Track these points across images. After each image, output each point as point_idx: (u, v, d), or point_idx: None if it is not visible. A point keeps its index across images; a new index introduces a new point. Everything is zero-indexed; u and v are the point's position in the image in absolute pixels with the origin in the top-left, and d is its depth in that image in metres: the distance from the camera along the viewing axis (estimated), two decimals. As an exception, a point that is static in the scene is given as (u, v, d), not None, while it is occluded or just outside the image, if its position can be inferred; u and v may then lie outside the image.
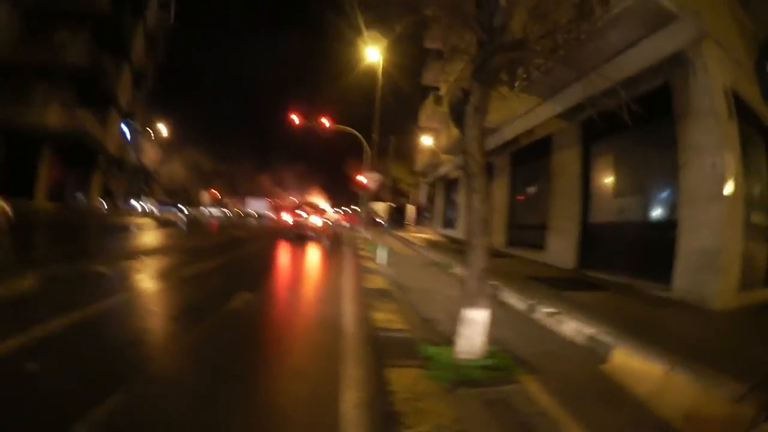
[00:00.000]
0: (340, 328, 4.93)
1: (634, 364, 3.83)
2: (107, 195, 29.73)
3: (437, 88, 25.43)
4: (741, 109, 7.05)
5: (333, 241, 18.92)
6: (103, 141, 26.62)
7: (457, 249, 14.65)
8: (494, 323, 4.53)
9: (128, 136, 31.81)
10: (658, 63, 7.31)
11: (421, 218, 33.87)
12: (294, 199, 63.23)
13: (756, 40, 8.18)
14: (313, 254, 13.69)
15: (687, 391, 3.30)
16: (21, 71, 21.92)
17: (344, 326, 5.02)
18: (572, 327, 4.90)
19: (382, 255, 10.71)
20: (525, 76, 7.82)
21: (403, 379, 3.43)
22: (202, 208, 54.02)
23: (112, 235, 14.53)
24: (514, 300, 6.47)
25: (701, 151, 6.58)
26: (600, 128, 9.69)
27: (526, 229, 13.67)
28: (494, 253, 13.76)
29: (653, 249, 7.75)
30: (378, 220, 36.33)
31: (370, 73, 23.26)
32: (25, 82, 22.25)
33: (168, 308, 5.55)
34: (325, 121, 23.34)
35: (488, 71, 3.93)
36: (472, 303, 3.77)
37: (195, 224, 27.11)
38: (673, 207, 7.31)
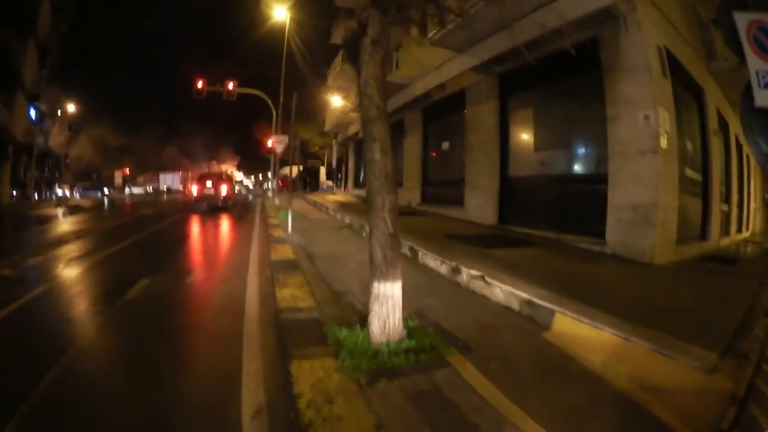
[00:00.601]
0: (241, 311, 4.38)
1: (581, 331, 3.56)
2: (18, 185, 26.20)
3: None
4: (674, 69, 7.06)
5: (242, 210, 17.95)
6: (11, 127, 23.10)
7: (365, 209, 14.29)
8: (414, 291, 4.11)
9: (35, 119, 27.68)
10: (586, 16, 7.05)
11: (334, 180, 33.11)
12: (206, 169, 59.88)
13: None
14: (220, 227, 12.85)
15: (648, 360, 3.09)
16: None
17: (246, 309, 4.47)
18: (504, 290, 4.57)
19: (289, 221, 10.05)
20: (438, 20, 7.23)
21: (310, 373, 2.91)
22: (126, 187, 49.83)
23: (24, 228, 12.94)
24: (434, 262, 6.12)
25: (633, 106, 6.52)
26: (518, 81, 9.61)
27: (443, 186, 13.50)
28: (409, 211, 13.54)
29: (580, 203, 7.80)
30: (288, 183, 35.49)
31: (279, 33, 21.92)
32: None
33: (62, 309, 4.80)
34: (230, 84, 21.77)
35: None
36: (381, 275, 3.26)
37: (111, 206, 24.67)
38: (599, 160, 7.30)
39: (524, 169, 9.58)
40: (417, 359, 3.05)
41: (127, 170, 56.19)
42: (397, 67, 17.09)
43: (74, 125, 35.42)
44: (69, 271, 6.50)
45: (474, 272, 5.09)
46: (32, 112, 27.18)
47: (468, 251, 6.51)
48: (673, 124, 6.60)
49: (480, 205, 10.63)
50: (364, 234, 9.40)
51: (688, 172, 7.24)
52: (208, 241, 10.04)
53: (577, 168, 8.35)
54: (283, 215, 12.93)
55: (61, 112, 35.02)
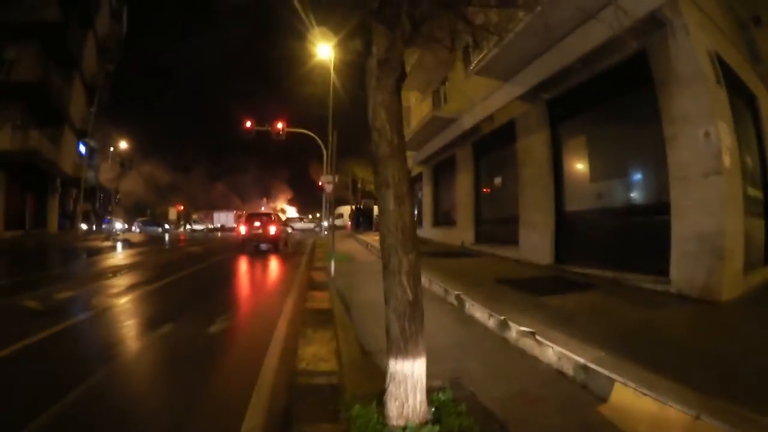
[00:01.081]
0: (257, 371, 3.92)
1: (643, 405, 2.76)
2: (66, 217, 28.27)
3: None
4: (726, 75, 6.13)
5: (290, 251, 17.80)
6: (58, 162, 25.06)
7: (420, 251, 13.63)
8: (454, 351, 3.63)
9: (85, 154, 29.89)
10: (632, 26, 6.27)
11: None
12: (260, 207, 61.50)
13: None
14: (261, 269, 12.64)
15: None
16: None
17: (263, 370, 3.97)
18: (556, 351, 3.76)
19: (332, 266, 9.59)
20: (473, 41, 6.67)
21: None
22: (186, 224, 52.50)
23: (68, 260, 13.72)
24: (482, 314, 5.35)
25: (691, 122, 5.63)
26: (567, 107, 8.82)
27: (497, 224, 12.65)
28: (462, 252, 12.78)
29: (642, 237, 6.80)
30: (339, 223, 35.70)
31: (325, 72, 22.25)
32: None
33: (75, 348, 4.81)
34: (279, 125, 22.18)
35: (394, 5, 2.71)
36: (399, 352, 2.68)
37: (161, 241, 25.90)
38: (661, 187, 6.30)
39: (580, 202, 8.63)
40: (438, 452, 2.47)
41: (182, 207, 58.46)
42: (445, 101, 16.66)
43: (126, 161, 37.50)
44: (93, 309, 6.51)
45: (524, 329, 4.30)
46: (82, 148, 29.08)
47: (520, 300, 5.71)
48: (734, 139, 5.59)
49: (535, 244, 9.70)
50: None
51: (750, 191, 6.12)
52: (245, 286, 9.81)
53: (637, 198, 7.35)
54: (329, 257, 12.67)
55: (112, 149, 37.23)
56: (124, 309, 6.69)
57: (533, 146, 9.88)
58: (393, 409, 2.64)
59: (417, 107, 20.49)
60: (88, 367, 4.02)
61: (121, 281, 9.16)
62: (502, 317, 4.76)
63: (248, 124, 21.62)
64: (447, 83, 16.65)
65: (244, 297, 8.42)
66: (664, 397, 2.65)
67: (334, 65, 22.03)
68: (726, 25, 7.09)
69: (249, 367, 4.06)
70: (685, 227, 5.64)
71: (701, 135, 5.41)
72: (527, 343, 4.18)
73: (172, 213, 55.68)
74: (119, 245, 22.13)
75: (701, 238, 5.37)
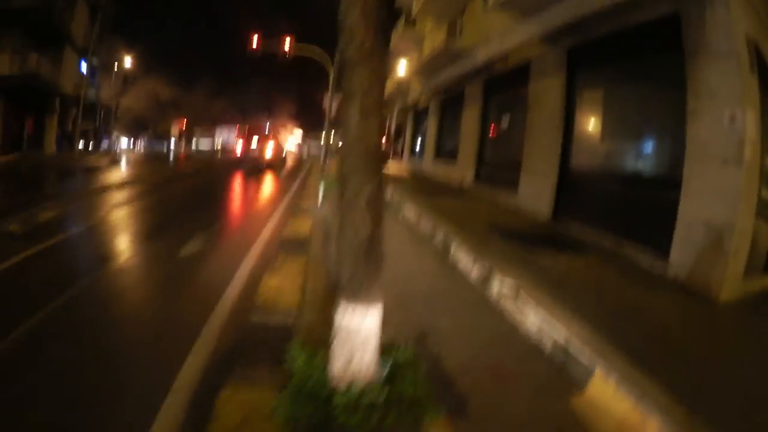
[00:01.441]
0: (214, 304, 3.93)
1: (620, 407, 2.63)
2: (66, 137, 27.63)
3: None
4: (760, 67, 5.68)
5: (288, 172, 17.62)
6: (58, 82, 24.41)
7: (416, 185, 13.52)
8: (428, 302, 3.58)
9: (86, 72, 28.79)
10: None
11: (393, 149, 32.21)
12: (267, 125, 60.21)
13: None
14: (250, 191, 12.74)
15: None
16: None
17: (222, 302, 4.01)
18: (538, 318, 3.71)
19: (320, 192, 9.50)
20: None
21: (238, 409, 2.33)
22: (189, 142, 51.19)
23: (52, 181, 13.73)
24: (466, 262, 5.29)
25: (717, 100, 5.25)
26: (589, 56, 8.36)
27: (499, 168, 12.42)
28: (459, 192, 12.64)
29: (646, 208, 6.64)
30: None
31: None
32: None
33: (37, 279, 4.65)
34: (286, 42, 21.26)
35: None
36: (349, 298, 2.36)
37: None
38: (673, 162, 6.04)
39: (587, 160, 8.41)
40: (381, 421, 2.15)
41: (184, 123, 57.06)
42: (460, 34, 15.84)
43: (129, 77, 36.35)
44: (67, 232, 6.60)
45: (508, 283, 4.24)
46: (83, 66, 28.17)
47: (510, 251, 5.67)
48: (759, 133, 5.26)
49: (534, 193, 9.55)
50: (400, 215, 8.70)
51: (765, 193, 5.86)
52: (227, 209, 9.76)
53: (647, 167, 7.11)
54: (324, 183, 12.60)
55: (116, 65, 35.99)
56: (101, 231, 6.78)
57: (546, 91, 9.46)
58: (338, 365, 2.37)
59: (430, 35, 19.50)
60: (51, 291, 4.06)
61: (100, 201, 9.25)
62: (487, 266, 4.71)
63: (255, 40, 20.76)
64: (465, 15, 15.76)
65: (224, 221, 8.37)
66: (646, 405, 2.52)
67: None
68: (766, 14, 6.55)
69: (207, 300, 4.04)
70: (694, 211, 5.43)
71: (726, 117, 5.08)
72: (508, 304, 4.15)
73: (174, 129, 54.42)
74: (116, 163, 22.47)
75: (709, 227, 5.17)
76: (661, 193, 6.23)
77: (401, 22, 23.25)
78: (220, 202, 10.62)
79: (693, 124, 5.51)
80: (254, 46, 20.77)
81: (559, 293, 4.15)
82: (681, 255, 5.50)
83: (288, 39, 21.50)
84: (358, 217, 2.34)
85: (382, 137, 2.57)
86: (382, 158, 2.53)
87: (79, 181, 13.49)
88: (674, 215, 5.61)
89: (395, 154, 28.16)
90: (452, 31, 16.55)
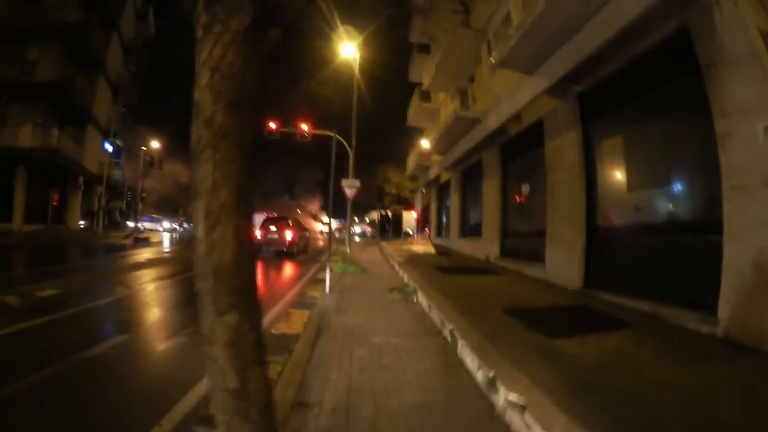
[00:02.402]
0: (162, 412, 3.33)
1: None
2: (89, 215, 29.10)
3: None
4: None
5: (305, 257, 16.95)
6: (81, 160, 26.07)
7: (437, 264, 12.45)
8: (416, 415, 2.95)
9: (111, 152, 30.53)
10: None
11: (422, 226, 31.53)
12: (294, 211, 61.02)
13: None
14: (263, 275, 11.99)
15: None
16: None
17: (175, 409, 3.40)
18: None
19: (327, 280, 8.69)
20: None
21: None
22: None
23: (72, 257, 14.08)
24: (472, 361, 4.11)
25: (747, 113, 4.31)
26: (601, 101, 7.52)
27: (524, 238, 11.34)
28: (484, 268, 11.47)
29: (687, 261, 5.48)
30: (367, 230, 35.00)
31: (349, 72, 21.52)
32: (1, 104, 22.20)
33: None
34: (304, 126, 21.48)
35: None
36: None
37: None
38: (712, 199, 4.92)
39: (615, 216, 7.29)
40: None
41: None
42: (473, 101, 15.43)
43: (155, 160, 37.91)
44: (61, 311, 6.41)
45: (513, 397, 3.09)
46: (108, 147, 29.61)
47: (526, 342, 4.47)
48: None
49: (562, 263, 8.37)
50: (415, 299, 7.67)
51: None
52: None
53: (681, 212, 5.93)
54: (340, 268, 11.89)
55: (144, 148, 37.93)
56: (85, 317, 6.38)
57: (562, 148, 8.58)
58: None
59: (444, 107, 19.29)
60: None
61: (107, 280, 9.17)
62: (491, 373, 3.57)
63: (272, 125, 21.09)
64: (474, 82, 15.43)
65: None
66: None
67: (359, 65, 21.40)
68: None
69: (156, 405, 3.43)
70: (740, 252, 4.31)
71: (761, 131, 4.07)
72: (515, 420, 2.99)
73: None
74: (141, 242, 23.00)
75: (760, 268, 4.03)
76: (700, 239, 5.13)
77: (416, 97, 23.35)
78: None
79: (726, 149, 4.49)
80: (272, 128, 20.98)
81: (584, 395, 3.04)
82: (730, 308, 4.32)
83: (305, 123, 21.71)
84: (215, 365, 1.58)
85: (247, 249, 1.69)
86: (250, 282, 1.68)
87: (99, 257, 13.59)
88: (718, 261, 4.48)
89: (424, 231, 27.44)
90: (464, 100, 16.24)
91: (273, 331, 5.74)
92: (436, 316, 6.04)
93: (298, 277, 11.68)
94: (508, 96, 10.89)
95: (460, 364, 4.28)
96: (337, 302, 7.46)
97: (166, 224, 42.80)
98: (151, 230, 38.76)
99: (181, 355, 4.87)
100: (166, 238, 30.94)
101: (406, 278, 10.03)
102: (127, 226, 36.56)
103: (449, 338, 5.01)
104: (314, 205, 74.66)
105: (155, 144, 40.21)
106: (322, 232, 56.55)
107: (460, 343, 4.51)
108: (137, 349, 4.99)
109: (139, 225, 39.88)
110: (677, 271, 5.60)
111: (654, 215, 6.39)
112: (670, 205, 6.12)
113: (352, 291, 8.70)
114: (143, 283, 9.54)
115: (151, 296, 8.32)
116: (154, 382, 4.10)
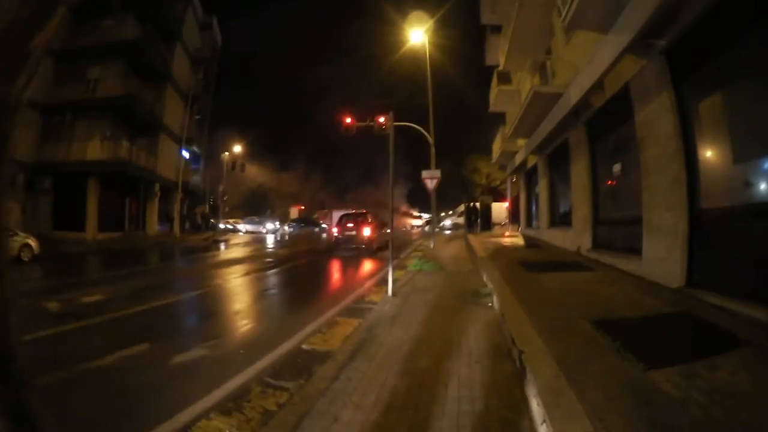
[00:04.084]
0: None
1: None
2: (168, 219, 31.20)
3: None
4: None
5: (382, 255, 16.36)
6: (155, 168, 27.99)
7: (522, 259, 11.31)
8: None
9: (187, 159, 32.53)
10: None
11: (513, 217, 29.91)
12: (406, 209, 61.47)
13: None
14: (325, 279, 11.92)
15: None
16: (61, 111, 24.10)
17: None
18: None
19: (389, 281, 8.02)
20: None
21: None
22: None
23: (145, 260, 15.32)
24: (537, 406, 3.19)
25: None
26: (693, 53, 6.15)
27: (618, 226, 9.88)
28: (574, 263, 10.16)
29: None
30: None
31: (435, 62, 20.95)
32: (66, 121, 24.41)
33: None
34: (381, 118, 21.03)
35: None
36: None
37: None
38: None
39: (723, 195, 5.86)
40: None
41: (302, 207, 60.05)
42: (553, 76, 14.00)
43: (236, 164, 39.50)
44: (100, 315, 6.70)
45: None
46: (185, 154, 31.36)
47: (616, 375, 3.45)
48: None
49: (661, 255, 7.03)
50: (490, 304, 6.81)
51: None
52: (279, 301, 8.62)
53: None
54: (414, 266, 11.41)
55: (227, 153, 39.81)
56: (119, 320, 6.63)
57: (654, 118, 7.20)
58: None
59: (524, 87, 17.86)
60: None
61: (157, 286, 9.53)
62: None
63: (348, 120, 20.76)
64: (551, 56, 14.02)
65: (258, 318, 7.09)
66: None
67: (429, 53, 20.60)
68: None
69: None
70: None
71: None
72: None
73: (294, 212, 57.63)
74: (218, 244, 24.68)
75: None
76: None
77: (495, 81, 22.04)
78: (278, 292, 9.75)
79: None
80: (348, 123, 20.59)
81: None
82: None
83: (383, 116, 21.26)
84: None
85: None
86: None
87: (165, 261, 15.09)
88: None
89: (514, 222, 25.98)
90: (543, 76, 14.77)
91: (304, 346, 5.22)
92: (507, 330, 5.12)
93: (368, 277, 11.19)
94: (587, 63, 9.53)
95: (523, 408, 3.37)
96: (396, 309, 6.82)
97: (270, 225, 44.25)
98: (251, 232, 40.61)
99: (191, 370, 4.58)
100: (247, 239, 32.39)
101: (485, 277, 9.11)
102: (217, 228, 38.59)
103: (518, 363, 4.08)
104: (405, 203, 74.51)
105: (237, 148, 42.19)
106: (413, 227, 56.09)
107: (529, 375, 3.58)
108: (146, 363, 4.73)
109: (239, 226, 42.14)
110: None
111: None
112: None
113: (420, 293, 8.01)
114: (196, 288, 9.66)
115: (194, 303, 8.36)
116: (142, 401, 3.83)
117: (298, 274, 12.28)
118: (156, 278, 11.10)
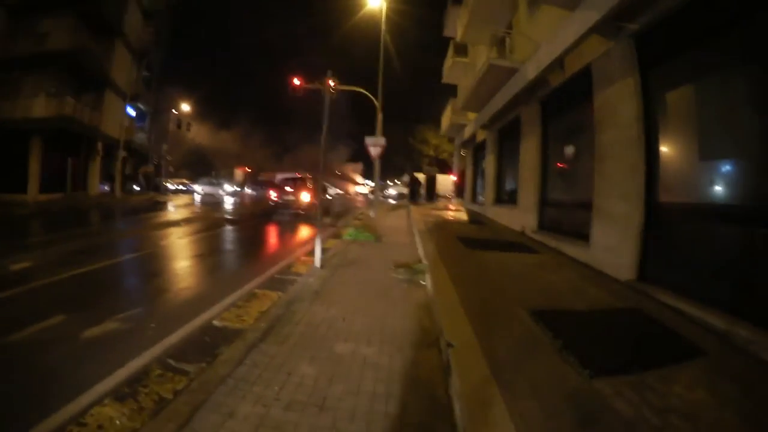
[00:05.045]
0: None
1: None
2: (109, 179, 29.64)
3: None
4: None
5: (328, 221, 15.97)
6: (99, 125, 26.55)
7: (464, 235, 11.17)
8: None
9: (134, 116, 30.70)
10: None
11: (459, 191, 30.09)
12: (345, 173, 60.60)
13: None
14: (259, 243, 11.60)
15: None
16: (7, 66, 22.61)
17: None
18: None
19: (317, 252, 7.64)
20: None
21: None
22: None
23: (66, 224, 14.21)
24: (461, 413, 2.87)
25: None
26: (665, 40, 5.89)
27: (566, 209, 9.84)
28: (517, 244, 10.03)
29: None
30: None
31: (375, 25, 20.22)
32: (12, 76, 22.85)
33: None
34: (330, 81, 20.20)
35: None
36: None
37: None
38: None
39: (685, 191, 5.75)
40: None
41: (248, 168, 58.52)
42: (511, 52, 13.71)
43: (182, 123, 37.82)
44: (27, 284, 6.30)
45: None
46: (131, 111, 29.59)
47: (555, 383, 3.17)
48: None
49: (612, 244, 6.94)
50: (423, 281, 6.50)
51: None
52: (201, 270, 7.95)
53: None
54: (350, 235, 11.01)
55: (174, 111, 37.99)
56: (42, 288, 6.24)
57: (615, 102, 7.00)
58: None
59: (480, 60, 17.53)
60: None
61: (88, 250, 9.06)
62: None
63: (296, 81, 19.87)
64: (512, 30, 13.73)
65: (177, 288, 6.54)
66: None
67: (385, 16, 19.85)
68: None
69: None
70: None
71: None
72: None
73: (238, 174, 55.87)
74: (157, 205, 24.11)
75: None
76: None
77: (450, 51, 21.64)
78: (211, 254, 9.36)
79: None
80: (296, 84, 19.78)
81: None
82: None
83: (330, 79, 20.49)
84: None
85: None
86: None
87: (99, 224, 14.48)
88: None
89: (459, 196, 26.08)
90: (501, 50, 14.47)
91: (215, 322, 4.83)
92: (438, 314, 4.82)
93: (301, 245, 10.74)
94: (549, 39, 9.23)
95: (445, 413, 3.05)
96: (321, 282, 6.45)
97: (228, 188, 42.21)
98: (209, 194, 38.80)
99: (101, 345, 4.25)
100: (187, 200, 31.27)
101: (421, 251, 8.82)
102: (160, 188, 36.79)
103: (445, 357, 3.76)
104: (351, 166, 73.94)
105: (184, 107, 39.98)
106: (357, 194, 55.81)
107: (455, 376, 3.27)
108: (58, 337, 4.39)
109: (195, 187, 40.44)
110: (765, 277, 4.15)
111: (735, 193, 4.88)
112: (759, 180, 4.58)
113: (351, 266, 7.65)
114: (124, 253, 9.19)
115: (119, 270, 7.81)
116: (45, 381, 3.53)
117: (227, 240, 11.67)
118: (88, 242, 10.34)
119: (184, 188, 43.31)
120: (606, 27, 6.71)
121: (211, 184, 42.34)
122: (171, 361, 3.79)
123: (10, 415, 3.06)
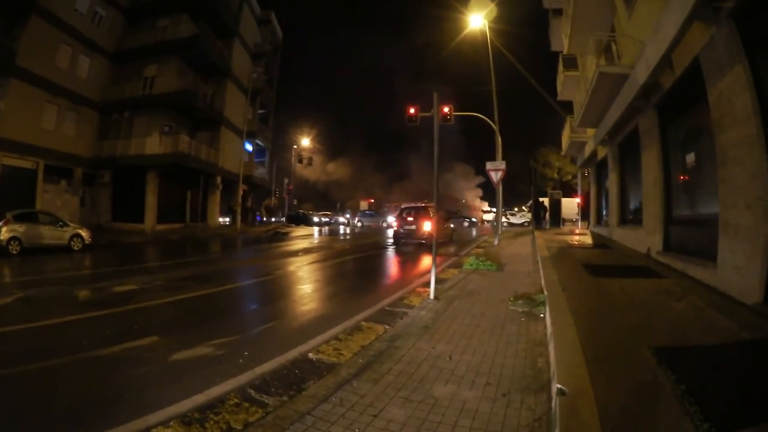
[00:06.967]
0: None
1: None
2: (229, 212, 32.47)
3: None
4: None
5: (443, 250, 15.70)
6: (217, 161, 29.21)
7: (587, 261, 10.33)
8: None
9: (251, 151, 33.60)
10: None
11: (583, 214, 28.33)
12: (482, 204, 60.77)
13: None
14: (374, 273, 11.64)
15: None
16: (118, 108, 25.72)
17: None
18: None
19: (432, 284, 7.49)
20: None
21: None
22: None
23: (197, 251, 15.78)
24: None
25: None
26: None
27: (692, 226, 8.67)
28: (641, 268, 9.03)
29: None
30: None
31: (496, 55, 20.27)
32: (124, 118, 25.92)
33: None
34: (446, 108, 20.45)
35: None
36: None
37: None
38: None
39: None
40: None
41: (372, 200, 60.47)
42: (619, 57, 12.80)
43: (303, 158, 40.10)
44: (125, 305, 6.87)
45: None
46: (248, 147, 33.10)
47: None
48: None
49: (738, 263, 5.94)
50: (542, 314, 6.02)
51: None
52: (312, 299, 8.05)
53: None
54: (470, 265, 10.70)
55: (295, 146, 40.72)
56: (142, 310, 6.79)
57: (729, 95, 6.10)
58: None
59: (591, 71, 16.55)
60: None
61: (199, 277, 9.79)
62: None
63: (412, 110, 20.38)
64: (615, 33, 12.86)
65: (281, 318, 6.67)
66: None
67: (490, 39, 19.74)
68: None
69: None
70: None
71: None
72: None
73: (363, 205, 58.33)
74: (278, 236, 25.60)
75: None
76: None
77: (560, 67, 20.80)
78: (308, 288, 9.41)
79: None
80: (412, 113, 20.20)
81: None
82: None
83: (447, 106, 20.69)
84: None
85: None
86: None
87: (217, 253, 15.82)
88: None
89: (585, 219, 24.46)
90: (609, 56, 13.51)
91: (311, 355, 4.66)
92: (552, 353, 4.30)
93: (420, 275, 10.58)
94: (652, 36, 8.42)
95: None
96: (433, 315, 6.17)
97: (390, 218, 44.01)
98: (335, 223, 41.25)
99: (185, 369, 4.40)
100: (308, 231, 32.76)
101: (543, 280, 8.25)
102: (281, 220, 39.55)
103: (554, 405, 3.25)
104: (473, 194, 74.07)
105: (304, 141, 42.88)
106: (484, 221, 54.80)
107: (559, 428, 2.78)
108: (146, 357, 4.69)
109: (340, 219, 43.07)
110: None
111: None
112: None
113: (467, 298, 7.31)
114: (234, 280, 9.82)
115: (223, 297, 8.23)
116: (121, 396, 3.75)
117: (346, 270, 11.94)
118: (196, 270, 11.14)
119: (328, 220, 46.31)
120: (704, 11, 5.94)
121: (365, 215, 45.00)
122: (251, 392, 3.70)
123: (75, 420, 3.31)
